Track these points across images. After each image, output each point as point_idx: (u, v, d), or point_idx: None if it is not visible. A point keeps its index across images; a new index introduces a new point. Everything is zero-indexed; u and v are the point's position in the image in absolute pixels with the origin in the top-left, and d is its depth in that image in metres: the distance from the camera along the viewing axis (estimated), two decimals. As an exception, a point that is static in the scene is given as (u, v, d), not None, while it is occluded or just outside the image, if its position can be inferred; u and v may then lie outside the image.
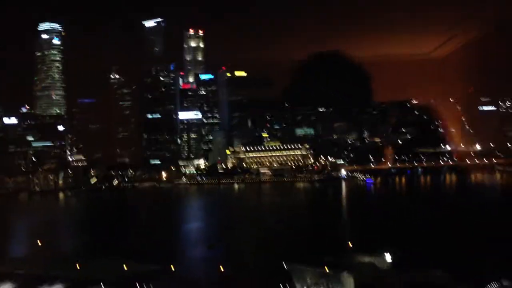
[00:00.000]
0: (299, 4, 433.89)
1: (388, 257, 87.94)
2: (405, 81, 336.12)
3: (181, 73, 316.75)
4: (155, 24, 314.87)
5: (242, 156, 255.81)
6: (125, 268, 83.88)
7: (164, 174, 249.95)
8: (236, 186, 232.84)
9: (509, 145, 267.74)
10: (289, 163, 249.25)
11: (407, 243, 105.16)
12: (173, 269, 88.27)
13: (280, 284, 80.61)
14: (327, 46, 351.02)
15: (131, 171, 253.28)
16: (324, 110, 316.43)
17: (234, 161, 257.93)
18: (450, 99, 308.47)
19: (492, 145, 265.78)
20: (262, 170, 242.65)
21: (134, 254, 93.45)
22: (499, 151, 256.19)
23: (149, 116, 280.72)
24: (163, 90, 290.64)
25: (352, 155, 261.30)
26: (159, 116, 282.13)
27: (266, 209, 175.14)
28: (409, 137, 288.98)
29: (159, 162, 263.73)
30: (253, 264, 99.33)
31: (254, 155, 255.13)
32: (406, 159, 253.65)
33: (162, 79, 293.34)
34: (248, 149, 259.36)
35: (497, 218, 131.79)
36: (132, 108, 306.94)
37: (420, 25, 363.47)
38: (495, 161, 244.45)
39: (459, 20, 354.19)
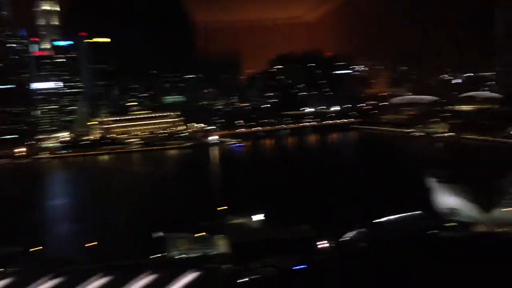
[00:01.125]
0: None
1: (259, 217, 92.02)
2: (276, 45, 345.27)
3: (35, 39, 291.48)
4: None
5: (108, 126, 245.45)
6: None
7: (22, 149, 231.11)
8: (103, 157, 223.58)
9: (363, 105, 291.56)
10: (158, 131, 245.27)
11: (275, 202, 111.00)
12: (35, 249, 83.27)
13: (154, 253, 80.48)
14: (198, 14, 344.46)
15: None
16: (193, 76, 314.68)
17: (100, 132, 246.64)
18: (310, 64, 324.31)
19: (349, 106, 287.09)
20: (131, 140, 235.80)
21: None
22: (354, 111, 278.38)
23: (0, 86, 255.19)
24: (14, 57, 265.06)
25: (221, 120, 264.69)
26: (12, 86, 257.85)
27: (137, 179, 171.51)
28: (275, 101, 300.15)
29: (15, 136, 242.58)
30: (125, 236, 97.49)
31: (122, 125, 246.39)
32: (273, 121, 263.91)
33: (13, 45, 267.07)
34: (115, 119, 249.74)
35: (351, 175, 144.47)
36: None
37: None
38: (350, 120, 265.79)
39: None
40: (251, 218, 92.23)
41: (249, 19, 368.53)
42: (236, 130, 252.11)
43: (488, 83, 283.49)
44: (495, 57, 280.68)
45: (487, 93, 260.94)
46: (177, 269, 73.44)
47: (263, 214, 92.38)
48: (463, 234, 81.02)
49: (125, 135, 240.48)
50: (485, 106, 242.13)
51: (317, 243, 79.96)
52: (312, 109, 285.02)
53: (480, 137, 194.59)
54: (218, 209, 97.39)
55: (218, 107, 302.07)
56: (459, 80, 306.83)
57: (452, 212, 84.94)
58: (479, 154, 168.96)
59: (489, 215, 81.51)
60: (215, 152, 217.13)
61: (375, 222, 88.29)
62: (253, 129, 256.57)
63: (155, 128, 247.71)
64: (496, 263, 68.20)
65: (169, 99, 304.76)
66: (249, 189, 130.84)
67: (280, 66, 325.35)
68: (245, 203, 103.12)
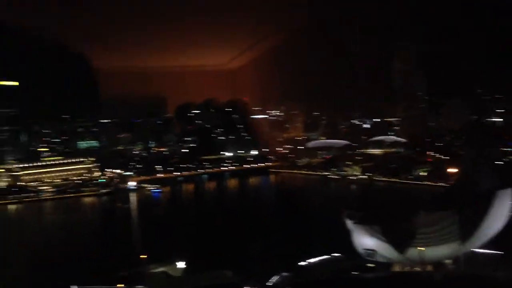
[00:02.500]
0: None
1: (180, 264, 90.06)
2: (200, 91, 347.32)
3: None
4: None
5: (16, 173, 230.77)
6: None
7: None
8: (11, 206, 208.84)
9: (280, 149, 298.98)
10: (72, 178, 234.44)
11: (196, 248, 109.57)
12: None
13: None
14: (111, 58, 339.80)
15: None
16: (108, 121, 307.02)
17: (7, 180, 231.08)
18: (228, 108, 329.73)
19: (266, 150, 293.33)
20: (42, 187, 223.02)
21: None
22: (272, 155, 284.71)
23: None
24: None
25: (139, 166, 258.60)
26: None
27: (49, 229, 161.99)
28: (193, 145, 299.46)
29: None
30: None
31: (32, 171, 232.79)
32: (192, 166, 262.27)
33: None
34: (24, 166, 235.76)
35: (271, 217, 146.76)
36: None
37: (217, 37, 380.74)
38: (268, 164, 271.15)
39: (254, 34, 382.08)
40: (173, 266, 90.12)
41: (174, 65, 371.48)
42: (155, 176, 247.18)
43: (394, 127, 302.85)
44: (398, 104, 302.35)
45: (393, 138, 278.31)
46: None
47: (185, 262, 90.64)
48: (382, 274, 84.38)
49: (36, 183, 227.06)
50: (392, 150, 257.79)
51: (243, 288, 79.67)
52: (231, 154, 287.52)
53: (389, 179, 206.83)
54: (137, 257, 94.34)
55: (135, 152, 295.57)
56: (368, 125, 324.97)
57: (370, 253, 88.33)
58: (390, 195, 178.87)
59: (404, 254, 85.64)
60: (132, 199, 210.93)
61: (299, 265, 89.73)
62: (172, 174, 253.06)
63: (69, 174, 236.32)
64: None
65: (83, 144, 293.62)
66: (170, 236, 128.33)
67: (197, 111, 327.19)
68: (166, 251, 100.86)
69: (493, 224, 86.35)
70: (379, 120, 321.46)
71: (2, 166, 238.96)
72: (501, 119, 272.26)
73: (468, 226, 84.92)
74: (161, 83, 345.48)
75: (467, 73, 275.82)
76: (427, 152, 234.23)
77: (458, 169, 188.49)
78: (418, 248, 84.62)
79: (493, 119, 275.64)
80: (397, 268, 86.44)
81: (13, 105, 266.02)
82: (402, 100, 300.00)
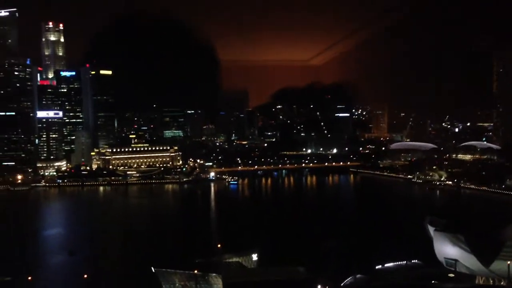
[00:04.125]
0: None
1: (254, 256, 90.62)
2: (282, 85, 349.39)
3: (39, 68, 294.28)
4: (7, 13, 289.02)
5: (108, 157, 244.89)
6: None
7: (19, 176, 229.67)
8: (101, 188, 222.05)
9: (363, 149, 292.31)
10: (157, 165, 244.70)
11: (272, 242, 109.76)
12: (30, 279, 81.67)
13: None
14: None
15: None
16: (193, 112, 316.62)
17: (99, 163, 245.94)
18: (311, 105, 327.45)
19: (348, 149, 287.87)
20: (129, 172, 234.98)
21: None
22: (354, 154, 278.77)
23: (1, 113, 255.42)
24: (18, 85, 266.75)
25: (220, 157, 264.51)
26: (13, 113, 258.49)
27: (134, 212, 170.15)
28: (274, 140, 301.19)
29: (13, 163, 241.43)
30: (120, 270, 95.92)
31: (121, 157, 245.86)
32: (272, 161, 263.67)
33: (16, 73, 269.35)
34: (114, 151, 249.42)
35: (349, 217, 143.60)
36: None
37: (302, 33, 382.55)
38: (348, 163, 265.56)
39: (339, 31, 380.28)
40: (248, 257, 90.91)
41: (260, 59, 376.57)
42: (235, 168, 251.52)
43: (487, 133, 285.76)
44: (494, 109, 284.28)
45: (486, 144, 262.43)
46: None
47: (259, 254, 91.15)
48: (462, 285, 79.79)
49: (124, 167, 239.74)
50: (484, 157, 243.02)
51: (315, 286, 78.55)
52: (312, 150, 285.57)
53: (478, 187, 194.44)
54: (213, 246, 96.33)
55: (217, 143, 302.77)
56: (457, 130, 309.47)
57: (451, 262, 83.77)
58: (478, 204, 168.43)
59: (489, 267, 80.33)
60: (212, 189, 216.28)
61: (376, 268, 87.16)
62: (251, 167, 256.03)
63: (154, 161, 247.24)
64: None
65: (169, 133, 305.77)
66: (246, 228, 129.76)
67: (279, 106, 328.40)
68: (242, 242, 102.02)
69: None
70: (469, 124, 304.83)
71: (95, 150, 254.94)
72: None
73: None
74: (246, 77, 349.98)
75: None
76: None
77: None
78: (505, 261, 79.02)
79: None
80: (479, 281, 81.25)
81: (108, 93, 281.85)
82: (499, 105, 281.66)
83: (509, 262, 79.00)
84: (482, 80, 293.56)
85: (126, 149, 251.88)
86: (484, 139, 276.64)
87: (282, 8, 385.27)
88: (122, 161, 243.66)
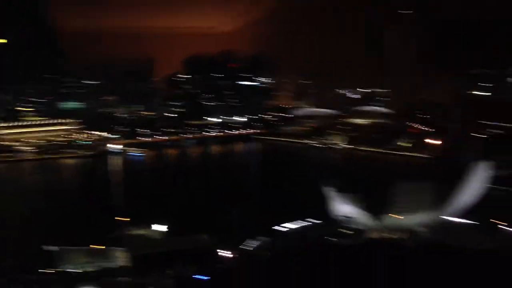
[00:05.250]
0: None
1: (159, 228, 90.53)
2: (188, 54, 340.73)
3: None
4: None
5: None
6: None
7: None
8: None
9: (267, 117, 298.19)
10: (55, 139, 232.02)
11: (177, 213, 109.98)
12: None
13: (46, 268, 76.01)
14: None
15: None
16: (93, 83, 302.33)
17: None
18: (213, 74, 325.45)
19: (253, 116, 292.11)
20: (24, 147, 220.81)
21: None
22: (259, 122, 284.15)
23: None
24: None
25: (125, 129, 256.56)
26: None
27: (30, 189, 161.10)
28: (180, 110, 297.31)
29: None
30: (15, 249, 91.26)
31: (13, 131, 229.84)
32: (178, 131, 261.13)
33: None
34: (5, 125, 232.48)
35: (253, 185, 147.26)
36: None
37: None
38: (253, 131, 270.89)
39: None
40: (152, 229, 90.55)
41: (162, 26, 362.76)
42: (140, 140, 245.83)
43: (383, 98, 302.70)
44: (389, 75, 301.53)
45: (380, 108, 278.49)
46: (71, 284, 69.99)
47: (165, 225, 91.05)
48: (358, 240, 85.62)
49: (18, 143, 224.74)
50: (378, 120, 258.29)
51: (219, 252, 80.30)
52: (218, 120, 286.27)
53: (373, 149, 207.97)
54: (118, 220, 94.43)
55: (122, 115, 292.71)
56: (357, 96, 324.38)
57: (348, 219, 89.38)
58: (371, 165, 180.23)
59: (380, 221, 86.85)
60: (116, 162, 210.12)
61: (277, 230, 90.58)
62: (157, 138, 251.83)
63: (51, 135, 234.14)
64: (390, 268, 72.86)
65: (68, 105, 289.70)
66: (151, 200, 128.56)
67: (187, 76, 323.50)
68: (146, 214, 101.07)
69: (469, 194, 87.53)
70: (369, 90, 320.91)
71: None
72: (489, 94, 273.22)
73: (445, 196, 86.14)
74: (150, 45, 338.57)
75: (458, 46, 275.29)
76: (413, 124, 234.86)
77: (440, 141, 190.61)
78: (394, 215, 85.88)
79: (481, 93, 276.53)
80: (373, 235, 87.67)
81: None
82: (393, 71, 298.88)
83: (396, 216, 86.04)
84: (379, 48, 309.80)
85: (19, 124, 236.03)
86: (380, 104, 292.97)
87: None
88: (15, 136, 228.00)
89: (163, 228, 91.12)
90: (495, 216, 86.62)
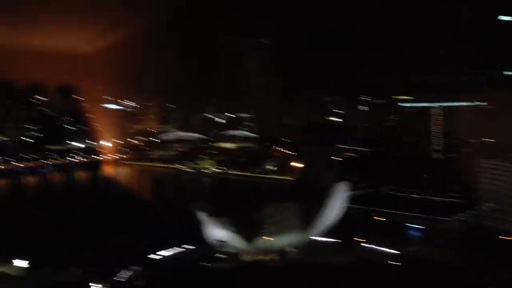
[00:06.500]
0: None
1: (21, 263, 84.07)
2: (50, 75, 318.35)
3: None
4: None
5: None
6: None
7: None
8: None
9: (132, 141, 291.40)
10: None
11: (41, 245, 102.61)
12: None
13: None
14: None
15: None
16: None
17: None
18: (74, 96, 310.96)
19: (119, 141, 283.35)
20: None
21: None
22: (124, 146, 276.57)
23: None
24: None
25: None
26: None
27: None
28: (38, 135, 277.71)
29: None
30: None
31: None
32: (36, 157, 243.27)
33: None
34: None
35: (120, 211, 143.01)
36: None
37: (71, 17, 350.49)
38: (120, 156, 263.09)
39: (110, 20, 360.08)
40: (13, 265, 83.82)
41: (21, 44, 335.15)
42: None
43: (247, 123, 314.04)
44: (251, 100, 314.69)
45: (245, 133, 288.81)
46: None
47: (27, 260, 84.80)
48: (232, 264, 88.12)
49: None
50: (244, 144, 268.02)
51: (91, 285, 77.08)
52: (81, 144, 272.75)
53: (241, 173, 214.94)
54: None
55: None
56: (222, 120, 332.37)
57: (221, 244, 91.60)
58: (240, 188, 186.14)
59: (252, 244, 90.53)
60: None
61: (150, 258, 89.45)
62: (12, 165, 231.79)
63: None
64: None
65: None
66: (8, 233, 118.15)
67: (44, 98, 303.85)
68: (3, 249, 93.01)
69: (331, 214, 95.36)
70: (233, 115, 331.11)
71: None
72: (341, 120, 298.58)
73: (309, 216, 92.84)
74: (7, 64, 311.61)
75: (316, 72, 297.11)
76: (276, 148, 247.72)
77: (302, 164, 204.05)
78: (265, 237, 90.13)
79: (333, 119, 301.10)
80: (246, 258, 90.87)
81: None
82: (255, 97, 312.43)
83: (267, 238, 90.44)
84: (242, 74, 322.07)
85: None
86: (245, 128, 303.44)
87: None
88: None
89: (24, 263, 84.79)
90: (353, 233, 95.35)
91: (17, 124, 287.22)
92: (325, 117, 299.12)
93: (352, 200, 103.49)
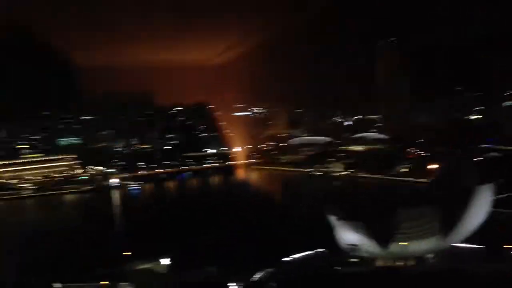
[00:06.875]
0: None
1: (165, 261, 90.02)
2: (185, 87, 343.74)
3: None
4: None
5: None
6: None
7: None
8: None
9: (263, 146, 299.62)
10: (53, 175, 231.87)
11: (181, 245, 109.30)
12: None
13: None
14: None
15: None
16: (89, 118, 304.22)
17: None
18: (210, 105, 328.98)
19: (249, 146, 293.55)
20: (22, 185, 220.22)
21: None
22: (255, 152, 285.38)
23: None
24: None
25: (121, 163, 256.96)
26: None
27: (30, 227, 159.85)
28: (176, 142, 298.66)
29: None
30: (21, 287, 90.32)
31: (11, 169, 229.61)
32: (175, 163, 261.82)
33: None
34: (3, 163, 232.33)
35: (256, 214, 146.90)
36: None
37: (204, 32, 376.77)
38: (251, 161, 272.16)
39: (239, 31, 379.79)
40: (157, 263, 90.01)
41: (160, 59, 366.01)
42: (137, 173, 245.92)
43: (376, 125, 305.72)
44: (381, 102, 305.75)
45: (375, 135, 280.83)
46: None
47: (170, 259, 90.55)
48: (365, 269, 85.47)
49: (16, 180, 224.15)
50: (374, 147, 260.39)
51: (229, 285, 79.87)
52: (214, 150, 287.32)
53: (372, 175, 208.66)
54: (121, 255, 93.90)
55: (118, 149, 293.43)
56: (350, 122, 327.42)
57: (354, 248, 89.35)
58: (372, 192, 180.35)
59: (387, 249, 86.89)
60: (115, 196, 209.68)
61: (282, 261, 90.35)
62: (154, 171, 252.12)
63: (50, 172, 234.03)
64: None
65: (64, 141, 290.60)
66: (154, 233, 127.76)
67: (180, 108, 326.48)
68: (150, 248, 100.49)
69: (474, 219, 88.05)
70: (361, 117, 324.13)
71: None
72: (480, 116, 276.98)
73: (449, 221, 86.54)
74: (147, 79, 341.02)
75: (449, 71, 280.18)
76: (409, 149, 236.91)
77: (438, 165, 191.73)
78: (400, 243, 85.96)
79: (472, 117, 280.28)
80: (380, 263, 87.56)
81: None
82: (385, 98, 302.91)
83: (403, 243, 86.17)
84: (370, 76, 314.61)
85: (17, 161, 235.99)
86: (374, 130, 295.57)
87: (182, 5, 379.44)
88: (13, 174, 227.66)
89: (168, 261, 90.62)
90: (500, 239, 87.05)
91: (159, 134, 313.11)
92: (464, 115, 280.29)
93: (497, 203, 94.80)
